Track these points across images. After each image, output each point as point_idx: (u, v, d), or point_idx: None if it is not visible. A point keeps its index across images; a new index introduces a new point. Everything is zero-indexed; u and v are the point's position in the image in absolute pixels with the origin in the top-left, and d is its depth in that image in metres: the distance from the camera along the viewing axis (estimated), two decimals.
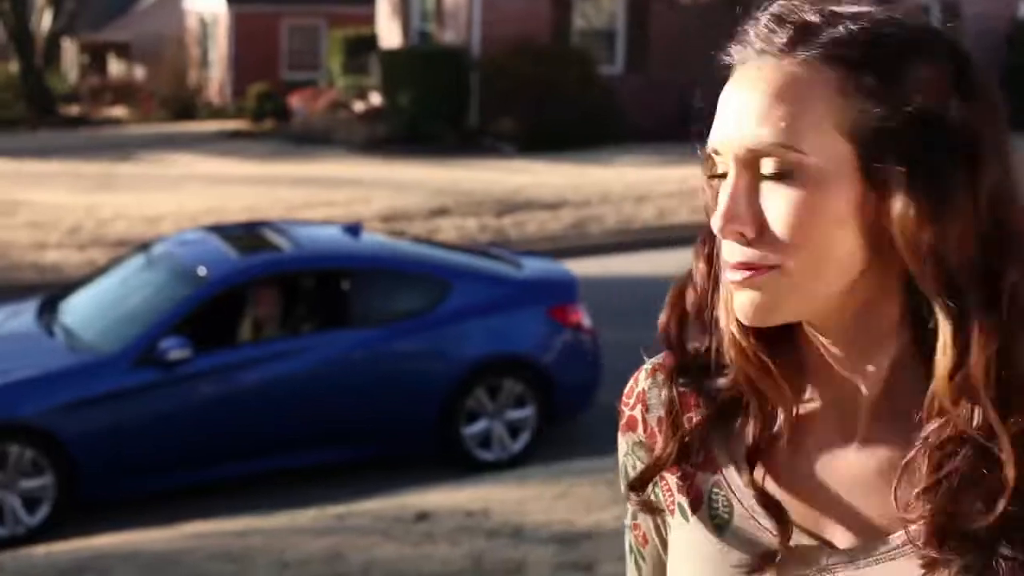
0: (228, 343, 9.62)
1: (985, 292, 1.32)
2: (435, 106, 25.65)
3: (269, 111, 31.79)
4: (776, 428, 1.43)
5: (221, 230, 11.36)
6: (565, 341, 9.98)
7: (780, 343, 1.43)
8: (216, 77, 36.73)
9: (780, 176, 1.34)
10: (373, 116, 27.43)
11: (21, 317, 10.20)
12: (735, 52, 1.40)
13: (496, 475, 8.68)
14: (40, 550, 7.35)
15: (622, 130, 24.40)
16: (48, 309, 10.14)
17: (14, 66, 36.97)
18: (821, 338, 1.42)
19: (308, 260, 10.18)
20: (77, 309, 10.04)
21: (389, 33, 30.06)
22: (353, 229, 10.74)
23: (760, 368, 1.42)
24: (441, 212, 18.35)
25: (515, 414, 9.78)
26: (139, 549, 6.97)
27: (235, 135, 30.04)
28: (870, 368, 1.40)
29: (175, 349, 9.01)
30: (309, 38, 35.79)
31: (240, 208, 18.11)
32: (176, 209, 18.51)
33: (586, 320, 10.01)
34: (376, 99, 28.36)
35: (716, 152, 1.39)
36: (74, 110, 37.08)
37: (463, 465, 9.48)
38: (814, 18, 1.36)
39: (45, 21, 39.29)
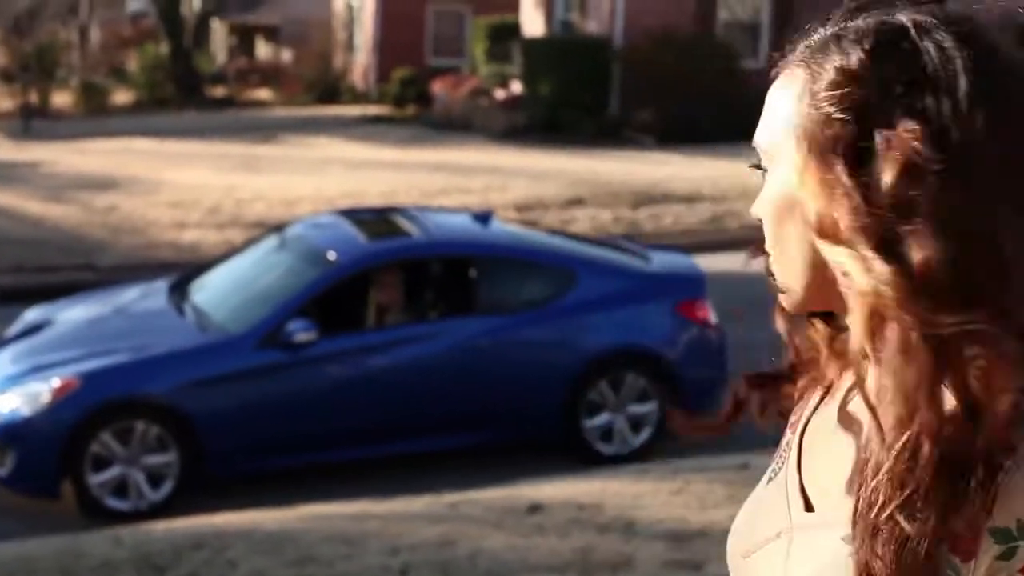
0: (354, 327, 9.70)
1: None
2: (576, 96, 25.63)
3: (411, 96, 32.04)
4: (825, 402, 1.50)
5: (352, 214, 11.46)
6: (691, 337, 9.89)
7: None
8: (361, 61, 37.07)
9: (765, 173, 1.45)
10: (513, 104, 27.49)
11: (153, 295, 10.39)
12: None
13: (613, 469, 8.64)
14: (159, 525, 7.48)
15: None
16: (180, 288, 10.32)
17: (164, 47, 37.66)
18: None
19: (436, 247, 10.20)
20: (207, 289, 10.20)
21: (532, 22, 30.10)
22: (483, 217, 10.75)
23: (814, 345, 1.52)
24: (577, 202, 18.33)
25: (637, 408, 9.71)
26: (255, 527, 7.05)
27: (376, 120, 30.34)
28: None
29: (301, 331, 9.10)
30: (454, 24, 35.95)
31: (377, 193, 18.29)
32: (314, 192, 18.74)
33: (713, 316, 9.90)
34: (517, 87, 28.42)
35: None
36: (220, 91, 37.71)
37: (583, 457, 9.45)
38: (820, 25, 1.42)
39: (195, 2, 39.96)
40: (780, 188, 1.40)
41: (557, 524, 6.79)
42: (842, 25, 1.38)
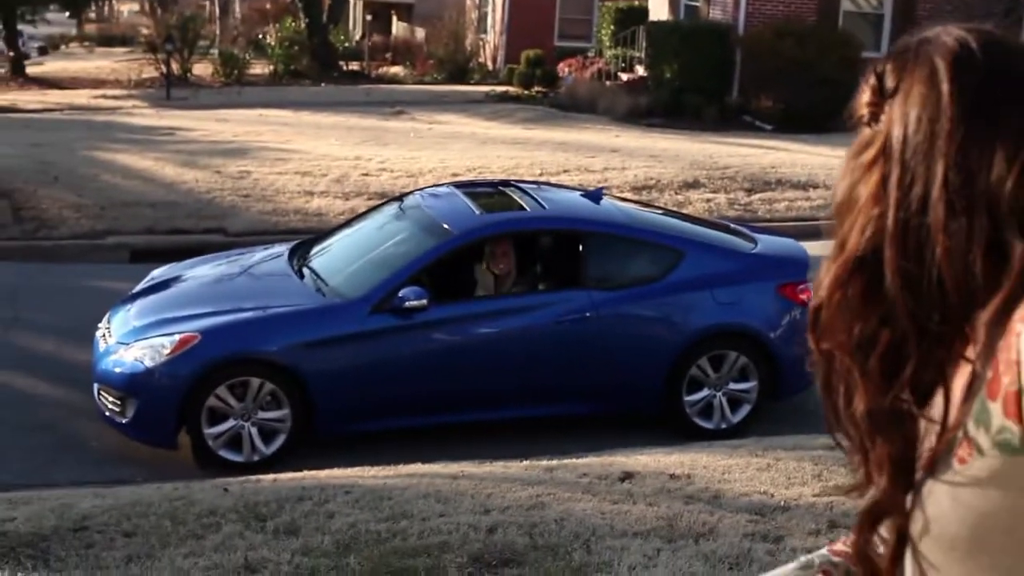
0: (464, 296, 9.97)
1: None
2: (698, 81, 25.69)
3: (538, 77, 32.27)
4: None
5: (468, 186, 11.71)
6: (793, 319, 10.01)
7: None
8: (491, 41, 37.38)
9: None
10: (637, 87, 27.60)
11: (274, 259, 10.74)
12: None
13: (706, 443, 8.81)
14: (267, 477, 7.77)
15: None
16: (299, 252, 10.65)
17: (302, 22, 38.28)
18: None
19: (547, 221, 10.40)
20: (325, 254, 10.52)
21: (658, 6, 30.17)
22: (594, 195, 10.94)
23: None
24: (693, 185, 18.43)
25: (737, 386, 9.88)
26: (356, 483, 7.31)
27: (503, 98, 30.60)
28: None
29: (413, 298, 9.36)
30: (582, 8, 36.10)
31: (500, 169, 18.54)
32: (439, 166, 19.03)
33: None
34: (641, 70, 28.51)
35: None
36: (354, 66, 38.25)
37: (682, 432, 9.64)
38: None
39: None
40: None
41: (646, 492, 6.97)
42: None
